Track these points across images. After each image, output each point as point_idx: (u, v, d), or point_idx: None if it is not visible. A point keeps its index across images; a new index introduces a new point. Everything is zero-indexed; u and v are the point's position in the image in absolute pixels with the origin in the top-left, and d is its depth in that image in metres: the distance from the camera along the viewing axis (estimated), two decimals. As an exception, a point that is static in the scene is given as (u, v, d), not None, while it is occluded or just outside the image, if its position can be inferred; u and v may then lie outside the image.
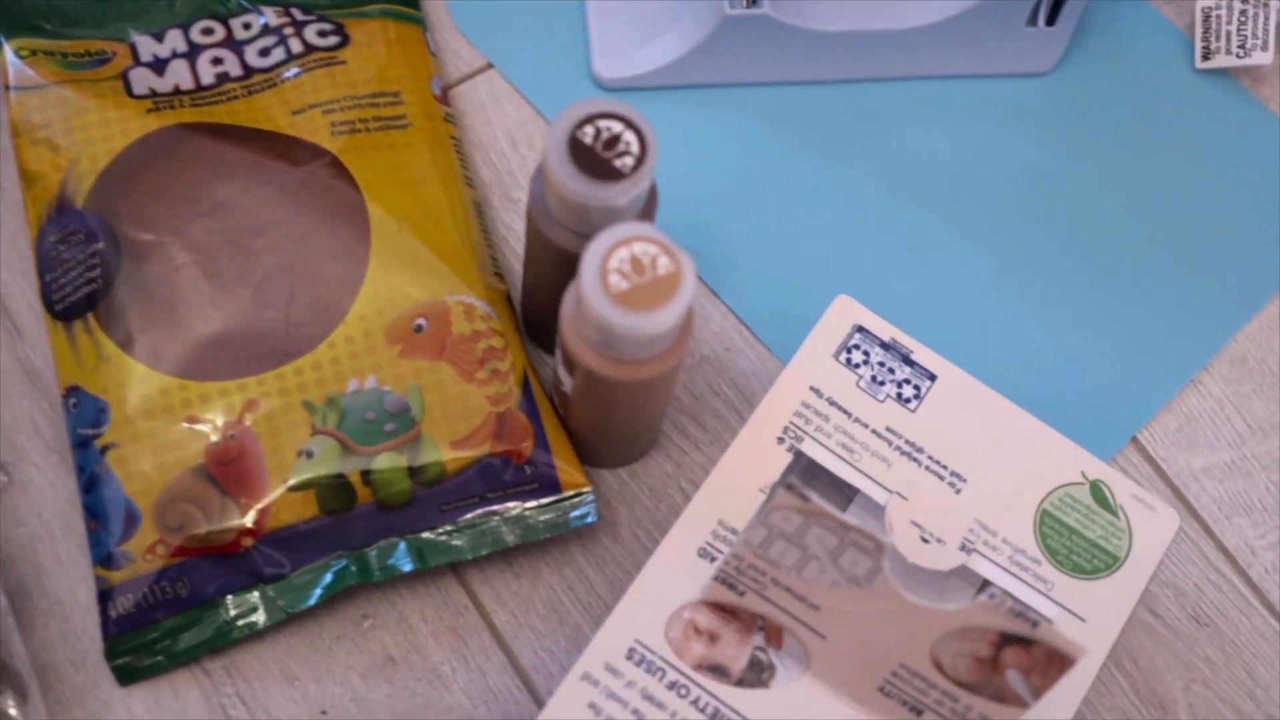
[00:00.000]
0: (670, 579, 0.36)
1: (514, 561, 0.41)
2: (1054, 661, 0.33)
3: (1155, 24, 0.51)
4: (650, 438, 0.42)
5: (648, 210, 0.37)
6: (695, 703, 0.35)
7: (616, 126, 0.35)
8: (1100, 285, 0.46)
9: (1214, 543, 0.43)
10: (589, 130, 0.35)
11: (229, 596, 0.39)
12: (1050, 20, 0.48)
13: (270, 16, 0.45)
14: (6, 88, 0.44)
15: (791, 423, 0.39)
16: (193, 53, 0.45)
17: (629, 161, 0.35)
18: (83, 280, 0.41)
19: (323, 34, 0.45)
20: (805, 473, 0.37)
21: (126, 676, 0.39)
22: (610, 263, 0.33)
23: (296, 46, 0.45)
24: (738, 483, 0.38)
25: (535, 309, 0.42)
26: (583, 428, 0.40)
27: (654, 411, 0.39)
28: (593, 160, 0.35)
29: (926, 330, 0.45)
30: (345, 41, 0.45)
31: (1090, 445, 0.44)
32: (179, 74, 0.44)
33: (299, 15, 0.46)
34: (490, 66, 0.48)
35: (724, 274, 0.46)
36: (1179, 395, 0.45)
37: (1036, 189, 0.48)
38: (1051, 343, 0.46)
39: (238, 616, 0.39)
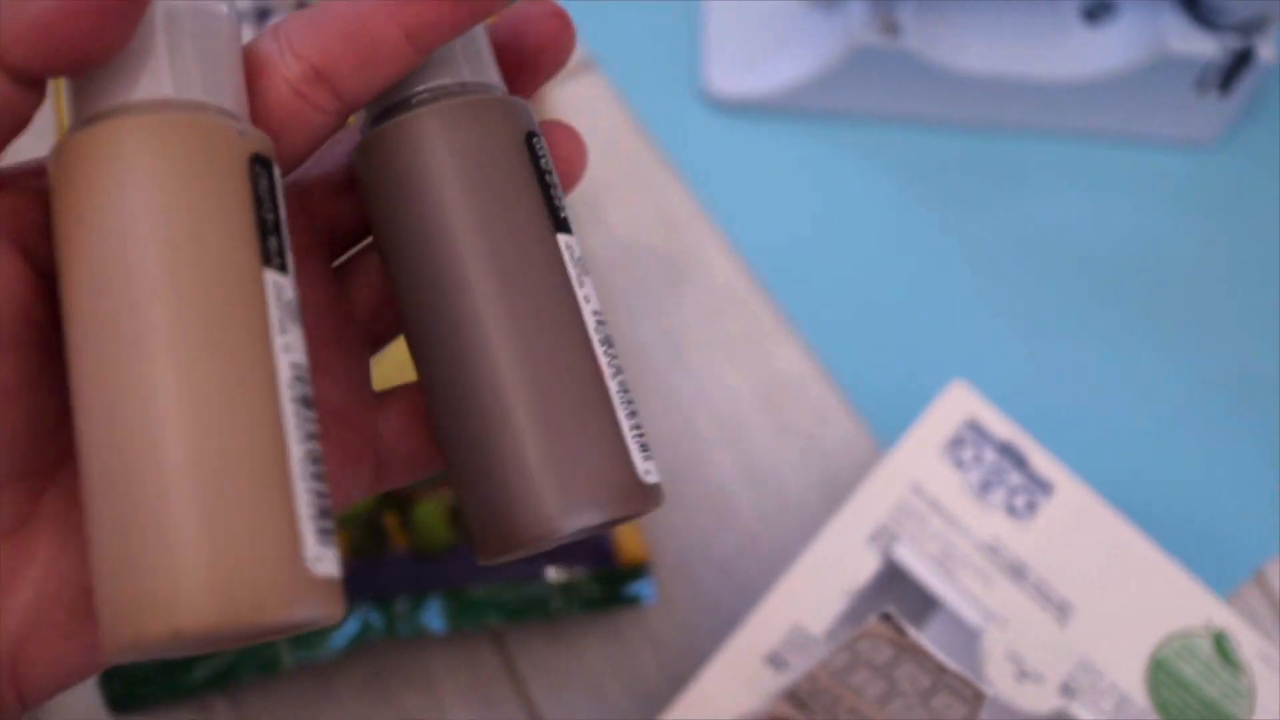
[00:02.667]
0: (731, 684, 0.33)
1: (558, 629, 0.37)
2: None
3: (1335, 101, 0.45)
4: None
5: None
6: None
7: None
8: (1240, 389, 0.41)
9: (1336, 703, 0.38)
10: None
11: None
12: (1224, 86, 0.42)
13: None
14: None
15: (888, 522, 0.35)
16: None
17: None
18: None
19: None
20: (897, 592, 0.33)
21: (120, 704, 0.35)
22: None
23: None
24: (819, 583, 0.34)
25: None
26: None
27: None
28: None
29: (1040, 421, 0.40)
30: None
31: (1207, 573, 0.40)
32: None
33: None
34: (593, 64, 0.43)
35: (824, 331, 0.41)
36: (1315, 529, 0.40)
37: (1181, 277, 0.43)
38: (1178, 449, 0.41)
39: (249, 656, 0.35)
